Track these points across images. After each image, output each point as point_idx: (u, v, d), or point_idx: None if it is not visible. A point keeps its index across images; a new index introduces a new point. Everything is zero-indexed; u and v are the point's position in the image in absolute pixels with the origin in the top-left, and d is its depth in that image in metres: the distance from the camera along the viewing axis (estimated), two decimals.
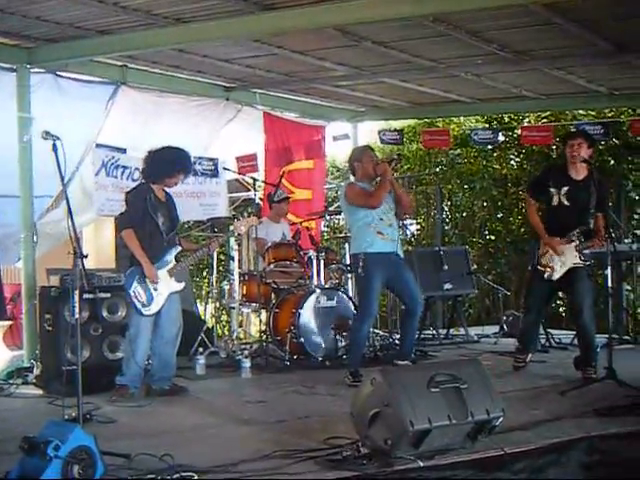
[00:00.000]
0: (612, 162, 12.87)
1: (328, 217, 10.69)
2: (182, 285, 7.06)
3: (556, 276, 7.36)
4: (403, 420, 4.43)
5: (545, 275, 7.40)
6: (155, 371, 7.01)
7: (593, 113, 12.76)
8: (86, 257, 5.04)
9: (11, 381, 7.59)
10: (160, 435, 5.50)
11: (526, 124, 12.95)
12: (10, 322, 9.85)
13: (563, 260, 7.32)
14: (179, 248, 7.04)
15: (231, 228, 7.70)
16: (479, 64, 9.59)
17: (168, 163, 6.95)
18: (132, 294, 6.76)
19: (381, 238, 7.35)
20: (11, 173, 8.25)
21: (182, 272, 7.15)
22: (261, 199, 10.99)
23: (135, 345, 6.80)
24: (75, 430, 4.13)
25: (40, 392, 7.29)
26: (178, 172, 7.01)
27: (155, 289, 6.81)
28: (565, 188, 7.33)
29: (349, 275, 9.22)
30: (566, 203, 7.33)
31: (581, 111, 12.82)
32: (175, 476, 4.22)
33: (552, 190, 7.38)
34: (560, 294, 9.39)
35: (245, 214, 12.64)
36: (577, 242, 7.25)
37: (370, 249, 7.31)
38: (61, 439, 4.00)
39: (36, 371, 7.70)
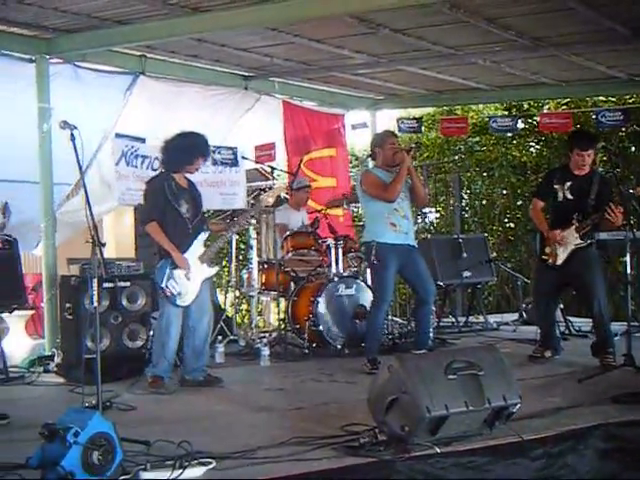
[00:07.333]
0: (633, 149, 12.79)
1: (346, 205, 10.62)
2: (215, 270, 6.97)
3: (560, 260, 7.42)
4: (420, 407, 4.43)
5: (549, 262, 7.47)
6: (188, 362, 6.90)
7: (613, 99, 12.66)
8: (104, 246, 5.06)
9: (33, 369, 7.68)
10: (179, 422, 5.54)
11: (545, 111, 12.89)
12: (32, 311, 9.92)
13: (565, 244, 7.37)
14: (207, 233, 6.98)
15: (259, 200, 7.51)
16: (497, 51, 9.55)
17: (186, 150, 6.85)
18: (165, 286, 6.64)
19: (393, 230, 7.32)
20: (27, 159, 8.30)
21: (213, 256, 7.05)
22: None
23: (167, 336, 6.71)
24: (94, 417, 4.15)
25: (61, 380, 7.36)
26: (197, 158, 6.91)
27: (188, 278, 6.69)
28: (569, 183, 7.44)
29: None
30: (570, 197, 7.43)
31: (601, 97, 12.74)
32: (193, 462, 4.24)
33: (557, 187, 7.49)
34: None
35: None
36: (577, 224, 7.31)
37: (380, 239, 7.30)
38: (80, 426, 4.02)
39: (57, 359, 7.77)
